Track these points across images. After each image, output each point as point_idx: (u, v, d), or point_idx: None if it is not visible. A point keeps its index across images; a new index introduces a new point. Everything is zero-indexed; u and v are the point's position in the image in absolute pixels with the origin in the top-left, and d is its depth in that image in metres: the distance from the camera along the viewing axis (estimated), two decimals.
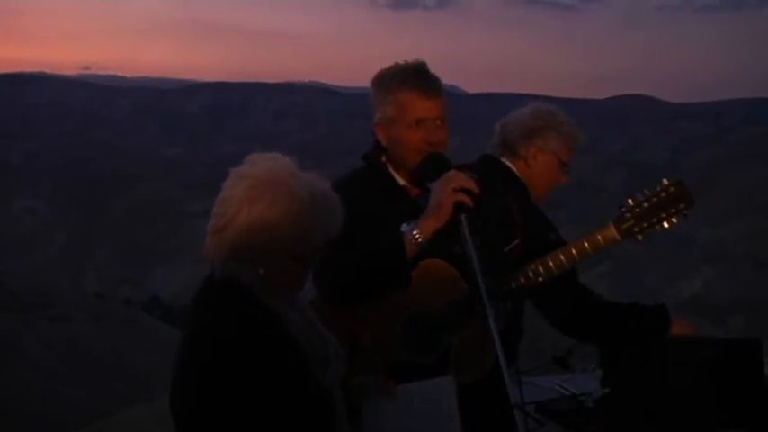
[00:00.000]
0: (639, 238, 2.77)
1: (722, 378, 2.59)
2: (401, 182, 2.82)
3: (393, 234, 2.62)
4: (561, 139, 3.30)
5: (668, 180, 2.76)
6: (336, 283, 2.62)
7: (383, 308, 2.65)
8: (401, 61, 2.80)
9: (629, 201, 2.76)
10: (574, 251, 2.77)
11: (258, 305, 2.11)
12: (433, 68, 2.78)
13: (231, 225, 2.09)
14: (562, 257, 2.77)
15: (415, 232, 2.60)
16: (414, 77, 2.73)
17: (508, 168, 3.29)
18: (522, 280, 2.76)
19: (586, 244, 2.77)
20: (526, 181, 3.28)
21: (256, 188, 2.09)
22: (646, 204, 2.75)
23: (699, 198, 2.89)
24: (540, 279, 2.77)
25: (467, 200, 2.56)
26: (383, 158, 2.84)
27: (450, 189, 2.58)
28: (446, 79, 2.85)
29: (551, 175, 3.33)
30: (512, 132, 3.32)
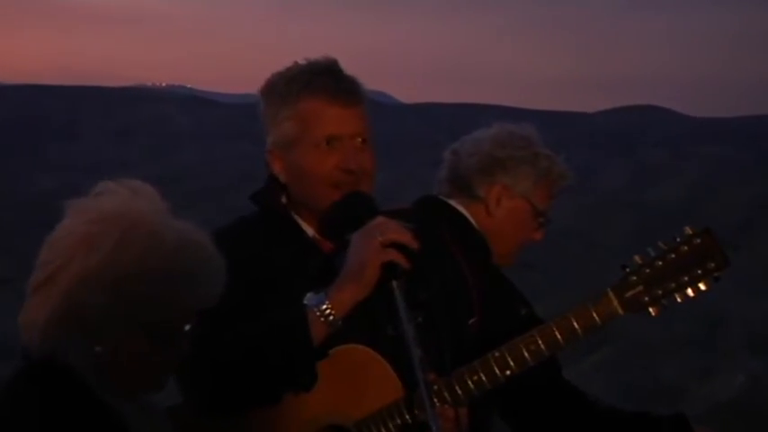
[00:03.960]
0: (652, 311, 2.81)
1: None
2: (309, 232, 2.85)
3: (293, 308, 2.63)
4: (537, 178, 3.37)
5: (692, 228, 2.82)
6: (210, 378, 2.61)
7: (278, 416, 2.65)
8: (302, 60, 2.84)
9: (637, 258, 2.81)
10: (556, 333, 2.80)
11: (90, 400, 2.07)
12: (352, 70, 2.82)
13: (59, 277, 2.08)
14: (540, 342, 2.79)
15: (324, 306, 2.60)
16: (321, 79, 2.77)
17: (460, 215, 3.34)
18: (483, 376, 2.78)
19: (575, 322, 2.80)
20: (486, 234, 3.32)
21: (99, 225, 2.09)
22: (660, 263, 2.79)
23: (735, 255, 2.94)
24: (509, 373, 2.79)
25: (400, 259, 2.59)
26: (282, 199, 2.87)
27: (377, 244, 2.60)
28: (371, 84, 2.88)
29: (521, 228, 3.38)
30: (467, 164, 3.37)
